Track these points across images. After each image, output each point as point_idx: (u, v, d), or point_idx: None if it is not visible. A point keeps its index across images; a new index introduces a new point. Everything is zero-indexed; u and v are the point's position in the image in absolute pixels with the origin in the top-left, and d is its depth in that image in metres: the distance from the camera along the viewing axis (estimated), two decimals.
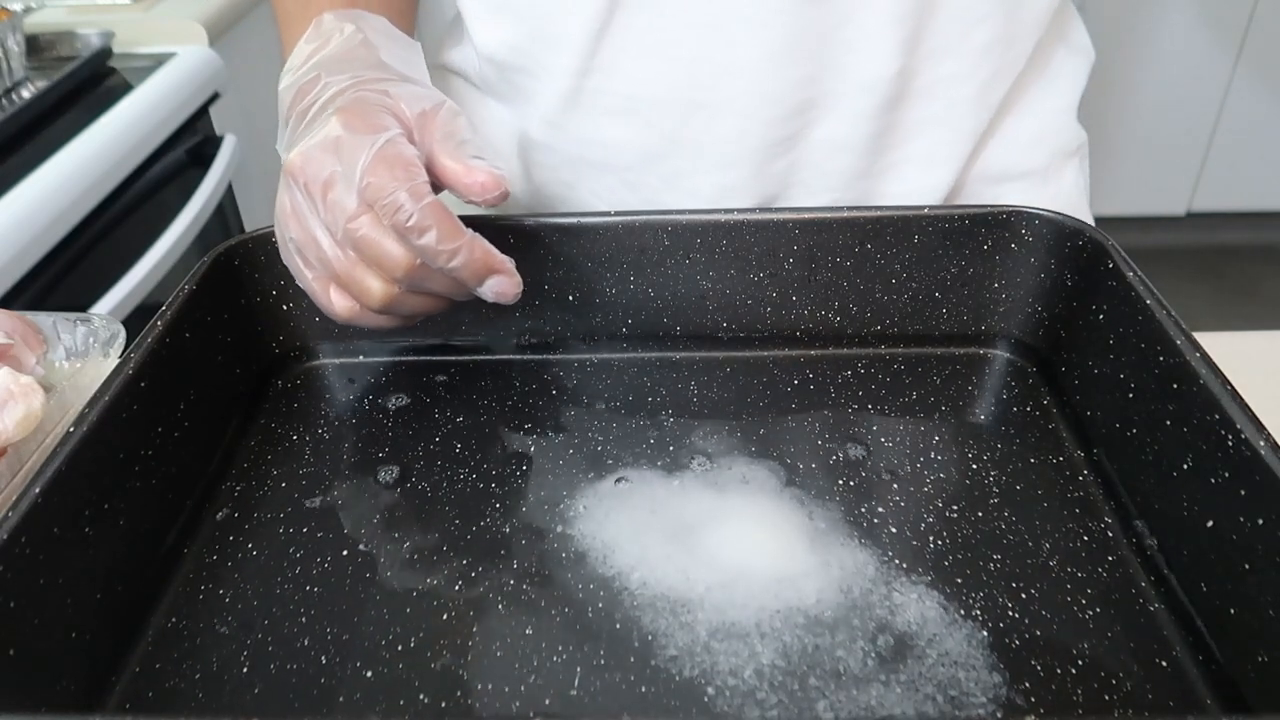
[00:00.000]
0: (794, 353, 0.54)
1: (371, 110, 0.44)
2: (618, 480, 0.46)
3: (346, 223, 0.42)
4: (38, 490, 0.37)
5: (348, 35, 0.49)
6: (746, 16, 0.52)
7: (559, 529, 0.43)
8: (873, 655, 0.37)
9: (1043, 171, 0.61)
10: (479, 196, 0.43)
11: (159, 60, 1.21)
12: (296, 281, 0.47)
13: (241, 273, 0.52)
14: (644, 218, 0.52)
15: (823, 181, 0.58)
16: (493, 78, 0.61)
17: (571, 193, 0.61)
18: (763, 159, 0.56)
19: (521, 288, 0.45)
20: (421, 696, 0.37)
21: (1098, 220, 0.51)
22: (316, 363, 0.55)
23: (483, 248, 0.43)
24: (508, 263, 0.44)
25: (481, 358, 0.54)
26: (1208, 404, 0.39)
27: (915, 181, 0.58)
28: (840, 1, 0.52)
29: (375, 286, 0.44)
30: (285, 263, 0.47)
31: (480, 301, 0.49)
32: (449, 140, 0.44)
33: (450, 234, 0.42)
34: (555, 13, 0.54)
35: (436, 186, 0.44)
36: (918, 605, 0.39)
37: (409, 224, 0.41)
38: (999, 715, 0.35)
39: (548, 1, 0.55)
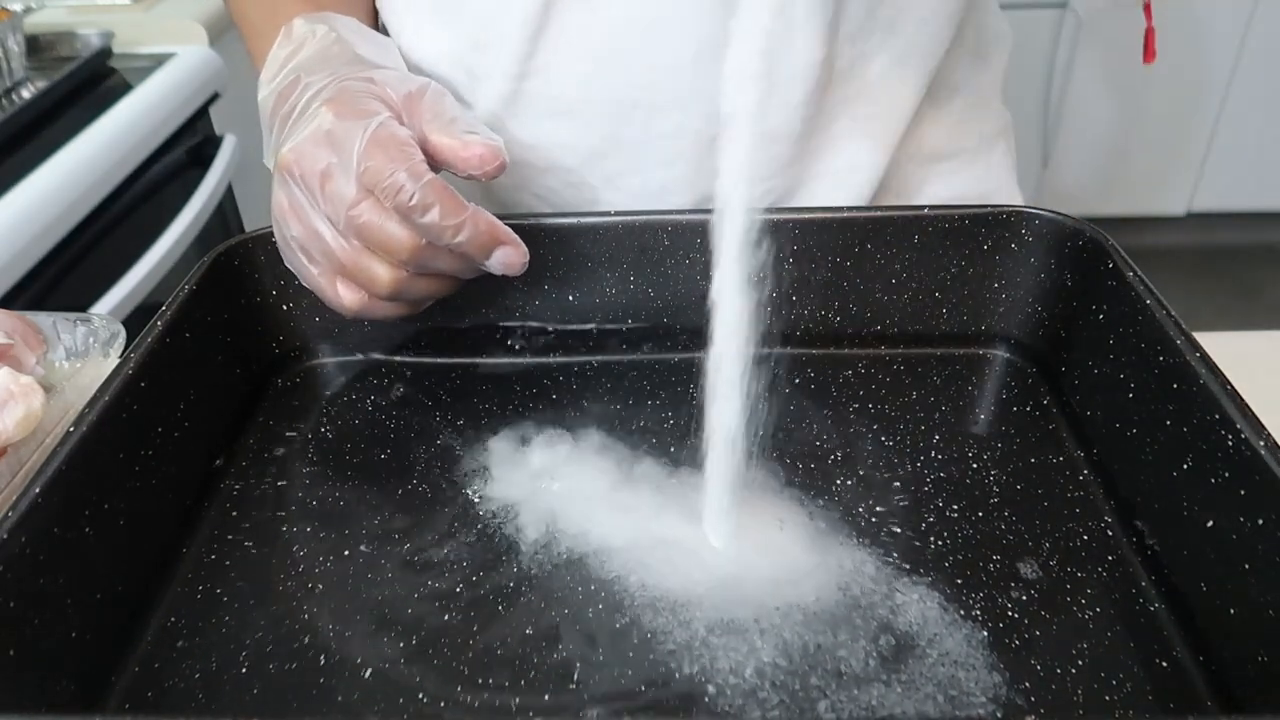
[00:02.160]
0: (794, 353, 0.54)
1: (359, 97, 0.44)
2: (617, 480, 0.46)
3: (348, 210, 0.42)
4: (38, 490, 0.37)
5: (321, 36, 0.49)
6: (679, 16, 0.52)
7: (559, 529, 0.43)
8: (873, 655, 0.37)
9: (973, 150, 0.63)
10: (478, 169, 0.43)
11: (159, 60, 1.21)
12: (301, 280, 0.47)
13: (241, 273, 0.52)
14: (644, 218, 0.52)
15: (758, 171, 0.58)
16: None
17: (517, 195, 0.62)
18: (701, 155, 0.56)
19: (528, 257, 0.45)
20: (421, 696, 0.37)
21: (1098, 220, 0.51)
22: (316, 362, 0.55)
23: (487, 220, 0.43)
24: (512, 234, 0.44)
25: (481, 358, 0.54)
26: (1208, 404, 0.39)
27: (843, 159, 0.59)
28: None
29: (382, 272, 0.44)
30: (288, 263, 0.47)
31: (481, 301, 0.49)
32: (439, 119, 0.44)
33: (454, 209, 0.42)
34: (490, 19, 0.55)
35: (433, 167, 0.44)
36: (918, 605, 0.39)
37: (412, 203, 0.41)
38: (999, 715, 0.35)
39: (483, 9, 0.55)
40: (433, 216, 0.41)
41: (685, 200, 0.58)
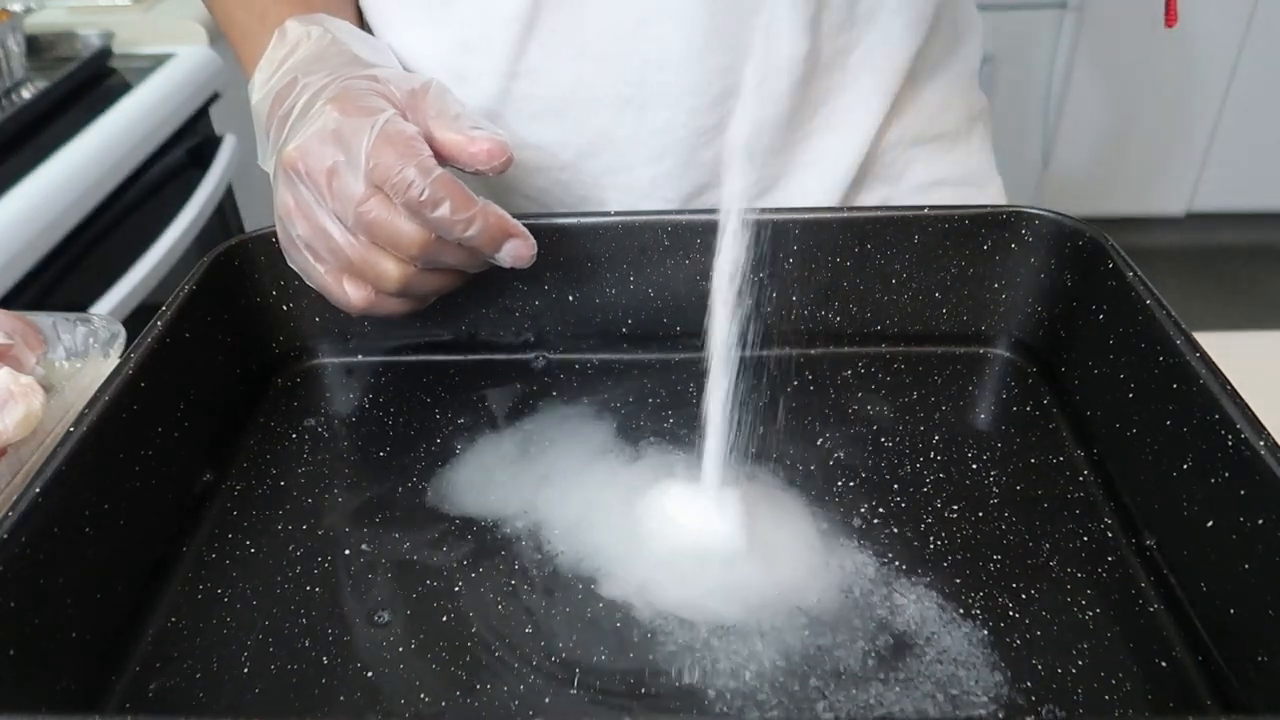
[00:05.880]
0: (794, 352, 0.54)
1: (363, 95, 0.44)
2: (618, 480, 0.46)
3: (357, 207, 0.42)
4: (38, 490, 0.37)
5: (316, 38, 0.49)
6: (666, 12, 0.52)
7: (559, 529, 0.43)
8: (873, 655, 0.37)
9: (953, 134, 0.64)
10: (485, 164, 0.44)
11: (159, 60, 1.21)
12: (306, 279, 0.47)
13: (241, 273, 0.52)
14: (644, 218, 0.52)
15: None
16: None
17: (507, 197, 0.62)
18: (691, 148, 0.57)
19: (536, 249, 0.45)
20: (422, 696, 0.37)
21: (1097, 220, 0.51)
22: (316, 362, 0.55)
23: (496, 213, 0.43)
24: (521, 227, 0.45)
25: (481, 357, 0.54)
26: (1208, 404, 0.39)
27: (826, 147, 0.60)
28: None
29: (391, 269, 0.44)
30: (293, 262, 0.47)
31: (481, 301, 0.49)
32: (443, 115, 0.44)
33: (464, 203, 0.42)
34: (476, 21, 0.55)
35: (439, 162, 0.44)
36: (918, 605, 0.39)
37: (422, 198, 0.41)
38: (999, 714, 0.35)
39: (469, 11, 0.55)
40: (443, 211, 0.42)
41: (676, 193, 0.59)
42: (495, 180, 0.61)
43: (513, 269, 0.46)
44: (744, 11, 0.53)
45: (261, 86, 0.49)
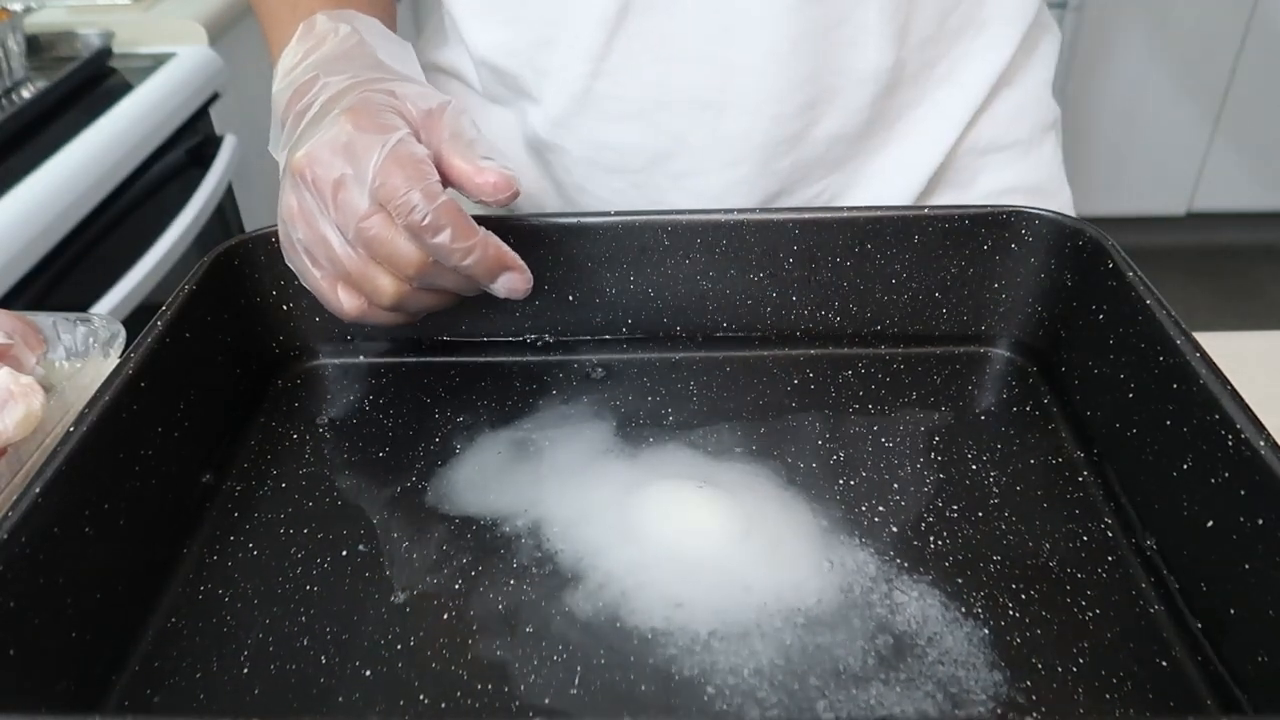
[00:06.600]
0: (794, 353, 0.54)
1: (379, 110, 0.44)
2: (617, 479, 0.46)
3: (358, 222, 0.42)
4: (38, 490, 0.37)
5: (343, 35, 0.49)
6: (753, 18, 0.52)
7: (558, 528, 0.43)
8: (873, 654, 0.37)
9: (1025, 142, 0.64)
10: (490, 197, 0.44)
11: (159, 60, 1.21)
12: (302, 282, 0.47)
13: (241, 273, 0.52)
14: (644, 218, 0.52)
15: (819, 171, 0.59)
16: (489, 79, 0.61)
17: (583, 195, 0.62)
18: (768, 156, 0.57)
19: (531, 284, 0.45)
20: (421, 697, 0.37)
21: (1098, 220, 0.51)
22: (317, 363, 0.55)
23: (495, 245, 0.44)
24: (519, 260, 0.45)
25: (481, 358, 0.54)
26: (1208, 404, 0.39)
27: (901, 157, 0.60)
28: (839, 1, 0.53)
29: (386, 285, 0.44)
30: (290, 263, 0.47)
31: (481, 301, 0.49)
32: (457, 140, 0.44)
33: (464, 233, 0.42)
34: (559, 19, 0.55)
35: (445, 185, 0.44)
36: (918, 605, 0.39)
37: (424, 223, 0.41)
38: (999, 714, 0.35)
39: (550, 8, 0.55)
40: (443, 238, 0.42)
41: (748, 200, 0.59)
42: (569, 180, 0.61)
43: None
44: (831, 21, 0.53)
45: (283, 76, 0.49)
